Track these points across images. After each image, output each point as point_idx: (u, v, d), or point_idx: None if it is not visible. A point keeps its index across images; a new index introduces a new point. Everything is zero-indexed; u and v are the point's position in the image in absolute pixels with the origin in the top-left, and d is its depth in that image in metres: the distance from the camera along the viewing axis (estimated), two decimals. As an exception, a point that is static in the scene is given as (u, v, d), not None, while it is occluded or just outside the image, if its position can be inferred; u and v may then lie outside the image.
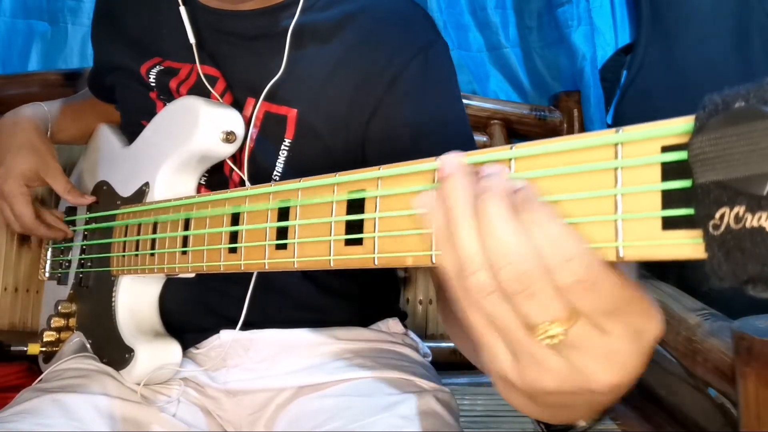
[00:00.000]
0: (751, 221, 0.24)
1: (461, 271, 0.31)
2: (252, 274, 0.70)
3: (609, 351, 0.30)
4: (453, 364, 1.16)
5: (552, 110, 1.45)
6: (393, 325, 0.82)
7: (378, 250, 0.39)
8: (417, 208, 0.34)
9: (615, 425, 1.15)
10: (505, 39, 1.53)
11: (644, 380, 1.24)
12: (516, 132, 1.45)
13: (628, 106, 1.39)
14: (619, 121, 1.42)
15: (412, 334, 0.85)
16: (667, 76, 1.32)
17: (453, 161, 0.33)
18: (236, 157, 0.72)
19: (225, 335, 0.74)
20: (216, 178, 0.74)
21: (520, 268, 0.29)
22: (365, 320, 0.80)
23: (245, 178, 0.70)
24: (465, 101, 1.42)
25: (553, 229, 0.29)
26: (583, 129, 1.42)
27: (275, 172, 0.71)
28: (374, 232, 0.39)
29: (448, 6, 1.52)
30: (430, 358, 0.83)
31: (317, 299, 0.76)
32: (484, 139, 1.43)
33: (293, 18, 0.70)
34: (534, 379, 0.31)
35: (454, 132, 0.70)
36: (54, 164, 0.82)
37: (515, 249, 0.29)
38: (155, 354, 0.69)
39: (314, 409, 0.68)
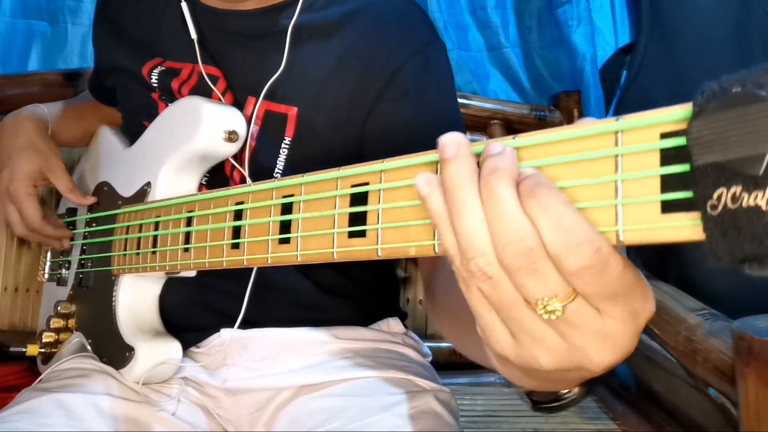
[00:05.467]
0: (748, 200, 0.25)
1: (464, 254, 0.31)
2: (251, 272, 0.70)
3: (606, 332, 0.31)
4: (453, 364, 1.16)
5: (552, 110, 1.45)
6: (393, 324, 0.82)
7: (381, 242, 0.39)
8: (418, 187, 0.33)
9: (615, 425, 1.15)
10: (505, 39, 1.53)
11: (644, 380, 1.24)
12: (516, 132, 1.44)
13: (628, 106, 1.39)
14: (619, 121, 1.42)
15: (412, 334, 0.85)
16: (667, 76, 1.32)
17: (454, 141, 0.32)
18: (237, 157, 0.72)
19: (226, 334, 0.74)
20: (217, 177, 0.74)
21: (526, 243, 0.29)
22: (365, 320, 0.80)
23: (247, 176, 0.71)
24: (465, 101, 1.42)
25: (566, 214, 0.29)
26: (583, 129, 1.42)
27: (276, 170, 0.71)
28: (377, 223, 0.40)
29: (448, 6, 1.52)
30: (430, 358, 0.83)
31: (318, 298, 0.76)
32: (484, 139, 1.43)
33: (293, 17, 0.71)
34: (532, 357, 0.32)
35: (449, 130, 0.70)
36: (57, 162, 0.82)
37: (524, 227, 0.29)
38: (155, 353, 0.69)
39: (314, 409, 0.68)
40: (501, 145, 0.32)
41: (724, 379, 0.75)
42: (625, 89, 1.40)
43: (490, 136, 1.43)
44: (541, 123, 1.44)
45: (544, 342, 0.32)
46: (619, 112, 1.42)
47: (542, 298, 0.30)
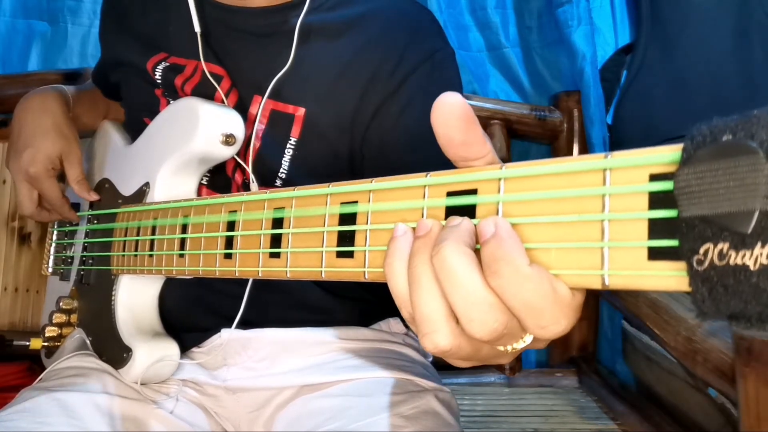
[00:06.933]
0: (735, 259, 0.23)
1: (418, 329, 0.32)
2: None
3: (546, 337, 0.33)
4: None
5: (552, 110, 1.45)
6: (394, 324, 0.82)
7: (368, 265, 0.38)
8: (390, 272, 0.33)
9: (615, 425, 1.15)
10: (505, 39, 1.53)
11: (644, 380, 1.24)
12: (516, 132, 1.45)
13: (628, 106, 1.39)
14: (619, 121, 1.42)
15: (412, 334, 0.85)
16: (667, 76, 1.32)
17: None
18: (242, 156, 0.72)
19: (226, 334, 0.74)
20: (218, 179, 0.74)
21: (497, 320, 0.30)
22: (366, 320, 0.80)
23: (251, 173, 0.70)
24: (465, 101, 1.42)
25: (527, 295, 0.29)
26: (583, 129, 1.42)
27: (281, 170, 0.71)
28: (365, 245, 0.39)
29: (448, 6, 1.52)
30: (431, 358, 0.83)
31: (318, 299, 0.76)
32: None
33: (300, 16, 0.71)
34: (487, 363, 0.35)
35: None
36: (77, 151, 0.81)
37: (489, 300, 0.29)
38: (153, 354, 0.69)
39: (314, 409, 0.68)
40: (459, 219, 0.32)
41: (724, 379, 0.75)
42: (625, 89, 1.40)
43: (491, 136, 1.43)
44: (541, 123, 1.44)
45: (502, 358, 0.35)
46: (619, 112, 1.42)
47: (509, 345, 0.32)
